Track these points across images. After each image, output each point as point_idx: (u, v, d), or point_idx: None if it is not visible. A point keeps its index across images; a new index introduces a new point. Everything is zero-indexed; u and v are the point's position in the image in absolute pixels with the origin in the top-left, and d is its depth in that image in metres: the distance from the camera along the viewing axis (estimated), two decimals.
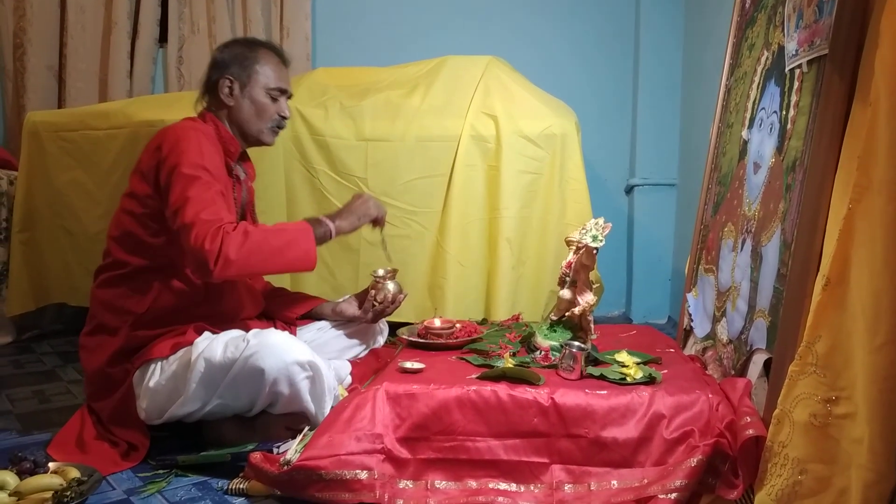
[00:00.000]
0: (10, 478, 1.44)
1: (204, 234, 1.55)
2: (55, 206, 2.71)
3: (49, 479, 1.45)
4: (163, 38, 3.34)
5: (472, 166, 2.54)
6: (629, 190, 3.33)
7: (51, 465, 1.54)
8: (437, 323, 1.99)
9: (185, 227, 1.58)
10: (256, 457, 1.53)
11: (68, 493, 1.42)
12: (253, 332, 1.66)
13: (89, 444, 1.69)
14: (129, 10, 3.25)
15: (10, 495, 1.41)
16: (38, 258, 2.73)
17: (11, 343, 2.76)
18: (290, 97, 1.90)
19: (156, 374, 1.65)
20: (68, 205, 2.71)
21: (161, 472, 1.62)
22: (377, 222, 1.90)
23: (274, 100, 1.84)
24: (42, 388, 2.25)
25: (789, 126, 1.58)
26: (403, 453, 1.50)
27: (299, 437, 1.59)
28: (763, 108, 1.76)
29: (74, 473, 1.48)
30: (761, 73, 1.82)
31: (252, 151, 1.95)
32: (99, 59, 3.29)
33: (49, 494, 1.41)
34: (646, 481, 1.43)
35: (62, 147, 2.70)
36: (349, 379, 1.97)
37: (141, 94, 3.27)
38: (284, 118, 1.87)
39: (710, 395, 1.50)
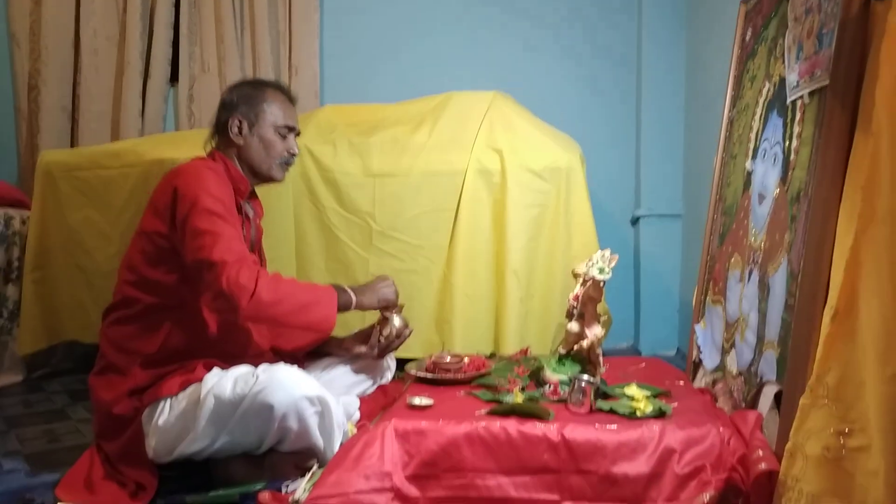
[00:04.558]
0: None
1: (237, 271, 1.58)
2: (68, 244, 2.74)
3: None
4: (174, 78, 3.40)
5: (478, 200, 2.56)
6: (635, 221, 3.34)
7: None
8: (446, 358, 1.98)
9: (213, 264, 1.59)
10: (265, 496, 1.52)
11: None
12: (262, 367, 1.66)
13: (98, 484, 1.68)
14: (141, 51, 3.32)
15: None
16: (51, 296, 2.75)
17: (22, 382, 2.76)
18: (298, 134, 1.93)
19: (165, 412, 1.65)
20: (81, 243, 2.73)
21: None
22: (392, 307, 1.93)
23: (282, 137, 1.87)
24: (51, 427, 2.25)
25: (793, 157, 1.59)
26: (413, 491, 1.49)
27: (308, 476, 1.58)
28: (766, 139, 1.78)
29: None
30: (763, 104, 1.84)
31: (261, 189, 1.98)
32: (111, 100, 3.35)
33: None
34: None
35: (75, 186, 2.74)
36: (357, 415, 1.96)
37: (152, 132, 3.32)
38: (293, 155, 1.90)
39: (721, 429, 1.49)
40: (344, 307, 1.78)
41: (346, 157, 2.61)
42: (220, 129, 1.87)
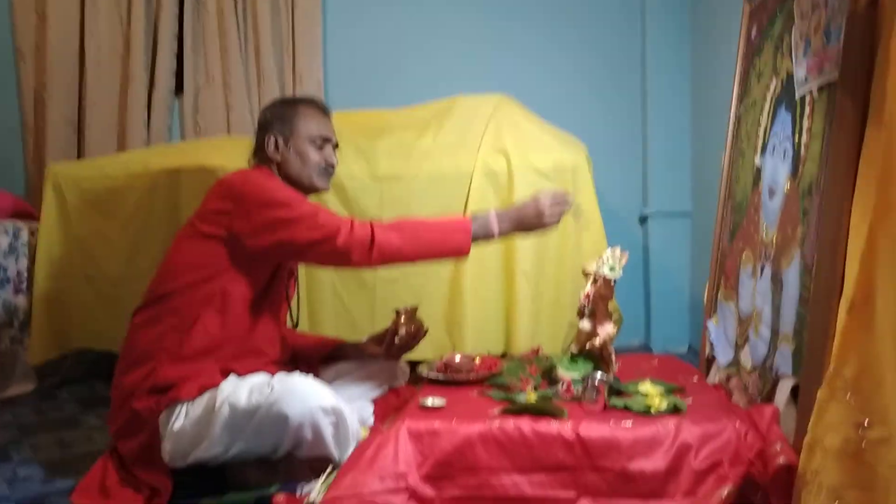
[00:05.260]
0: None
1: (347, 231, 1.68)
2: (76, 254, 2.75)
3: None
4: (178, 89, 3.41)
5: (485, 201, 2.56)
6: (643, 220, 3.34)
7: None
8: (457, 359, 1.98)
9: (321, 241, 1.69)
10: (280, 499, 1.52)
11: None
12: (277, 377, 1.66)
13: (112, 489, 1.68)
14: (145, 64, 3.33)
15: None
16: (61, 306, 2.75)
17: (33, 391, 2.77)
18: (335, 146, 1.95)
19: (181, 417, 1.65)
20: (89, 252, 2.74)
21: None
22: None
23: (319, 148, 1.89)
24: (63, 435, 2.25)
25: (803, 151, 1.59)
26: (428, 492, 1.49)
27: (323, 478, 1.57)
28: (775, 135, 1.77)
29: None
30: (771, 100, 1.84)
31: None
32: (117, 112, 3.36)
33: None
34: None
35: (82, 196, 2.75)
36: (371, 420, 1.95)
37: (158, 143, 3.33)
38: (331, 165, 1.92)
39: (737, 424, 1.48)
40: (484, 238, 1.79)
41: (352, 161, 2.61)
42: (258, 148, 1.90)
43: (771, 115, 1.83)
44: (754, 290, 1.77)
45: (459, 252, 1.78)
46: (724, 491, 1.36)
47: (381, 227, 1.73)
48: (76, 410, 2.53)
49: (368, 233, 1.70)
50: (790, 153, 1.66)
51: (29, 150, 3.37)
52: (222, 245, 1.75)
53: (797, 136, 1.63)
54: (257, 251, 1.74)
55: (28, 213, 2.99)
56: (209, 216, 1.77)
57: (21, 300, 2.78)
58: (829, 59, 1.50)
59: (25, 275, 2.80)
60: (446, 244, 1.77)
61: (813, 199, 1.50)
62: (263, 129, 1.90)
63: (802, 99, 1.62)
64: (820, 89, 1.54)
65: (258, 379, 1.67)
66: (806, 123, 1.59)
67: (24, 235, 2.82)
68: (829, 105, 1.49)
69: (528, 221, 1.82)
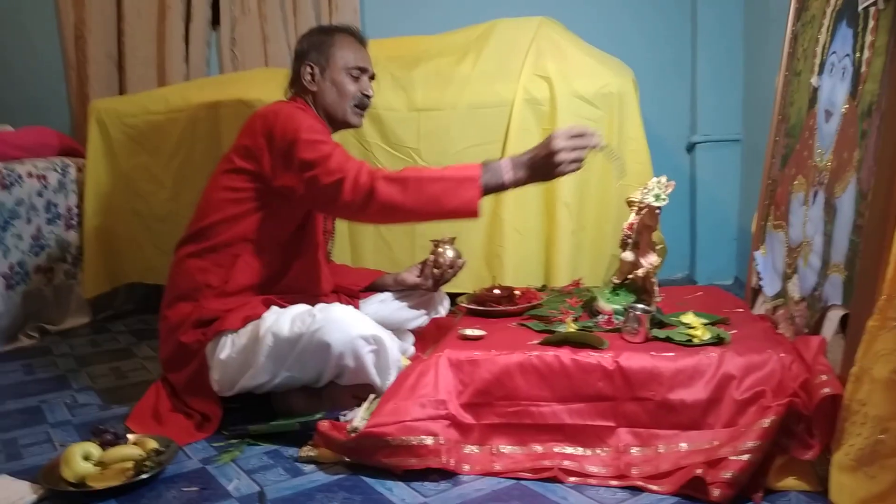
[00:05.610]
0: (93, 449, 1.51)
1: (353, 179, 1.60)
2: (123, 190, 2.80)
3: (130, 450, 1.51)
4: (215, 21, 3.38)
5: (526, 131, 2.50)
6: (691, 148, 3.23)
7: (130, 436, 1.61)
8: (497, 290, 1.97)
9: (330, 186, 1.62)
10: (325, 425, 1.56)
11: (148, 462, 1.49)
12: (319, 306, 1.68)
13: (165, 416, 1.75)
14: None
15: (94, 465, 1.48)
16: (110, 241, 2.83)
17: (88, 323, 2.88)
18: (372, 77, 1.91)
19: (227, 347, 1.70)
20: (135, 188, 2.79)
21: (234, 441, 1.67)
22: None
23: (355, 79, 1.87)
24: (118, 364, 2.35)
25: (864, 69, 1.49)
26: (468, 419, 1.51)
27: (365, 405, 1.61)
28: (834, 52, 1.66)
29: (152, 444, 1.54)
30: (831, 14, 1.72)
31: None
32: (155, 45, 3.37)
33: (130, 464, 1.48)
34: (716, 443, 1.39)
35: (126, 133, 2.78)
36: (412, 349, 1.98)
37: (197, 76, 3.34)
38: (367, 96, 1.89)
39: (782, 355, 1.45)
40: (496, 189, 1.61)
41: (389, 92, 2.57)
42: (295, 78, 1.88)
43: (830, 30, 1.71)
44: (805, 218, 1.70)
45: (469, 207, 1.57)
46: (766, 421, 1.34)
47: (386, 178, 1.60)
48: (129, 341, 2.63)
49: (368, 183, 1.59)
50: (850, 72, 1.56)
51: (72, 87, 3.42)
52: (254, 181, 1.75)
53: (858, 52, 1.53)
54: (280, 189, 1.73)
55: (75, 149, 3.05)
56: (242, 150, 1.77)
57: (73, 236, 2.87)
58: None
59: (76, 210, 2.88)
60: (453, 197, 1.57)
61: (872, 120, 1.42)
62: (300, 58, 1.87)
63: (866, 11, 1.51)
64: (886, 0, 1.42)
65: (300, 309, 1.70)
66: (868, 38, 1.49)
67: (73, 172, 2.89)
68: (895, 16, 1.38)
69: (543, 167, 1.58)
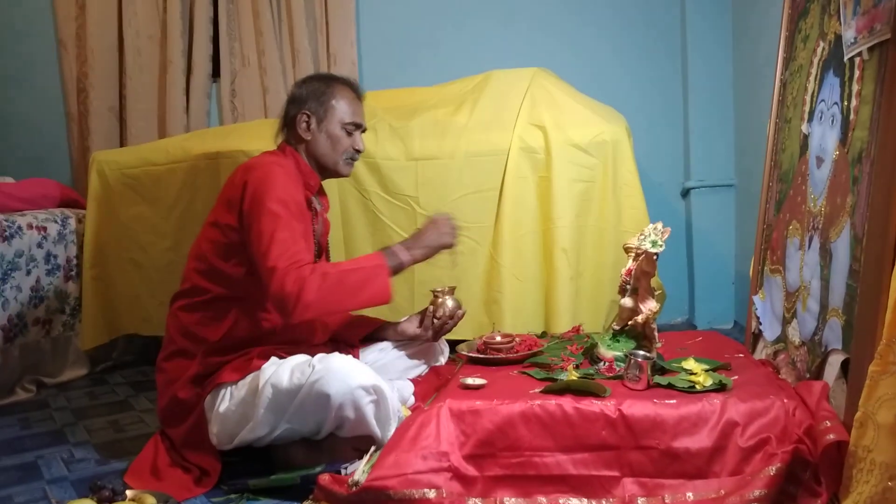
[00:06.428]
0: None
1: (283, 278, 1.62)
2: (122, 240, 2.81)
3: None
4: (215, 73, 3.45)
5: (522, 178, 2.53)
6: (685, 193, 3.26)
7: (128, 492, 1.59)
8: (497, 338, 1.97)
9: (267, 270, 1.64)
10: (325, 478, 1.54)
11: None
12: (318, 357, 1.67)
13: (163, 470, 1.73)
14: (182, 49, 3.37)
15: None
16: (109, 292, 2.83)
17: (86, 375, 2.86)
18: (364, 131, 1.94)
19: (226, 400, 1.68)
20: (135, 239, 2.80)
21: (233, 496, 1.64)
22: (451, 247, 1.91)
23: (349, 134, 1.89)
24: (116, 417, 2.32)
25: (852, 116, 1.52)
26: (470, 471, 1.49)
27: (366, 458, 1.59)
28: (823, 100, 1.70)
29: (151, 500, 1.52)
30: (818, 64, 1.76)
31: None
32: (156, 98, 3.42)
33: None
34: (723, 492, 1.38)
35: (126, 183, 2.80)
36: (412, 399, 1.97)
37: (197, 128, 3.38)
38: (358, 151, 1.92)
39: (785, 400, 1.45)
40: (397, 270, 1.79)
41: (387, 142, 2.61)
42: (289, 123, 1.89)
43: (818, 79, 1.76)
44: (802, 263, 1.72)
45: (383, 290, 1.71)
46: (773, 469, 1.33)
47: (311, 282, 1.62)
48: (127, 393, 2.61)
49: (296, 291, 1.61)
50: (839, 119, 1.60)
51: (73, 139, 3.46)
52: (235, 233, 1.75)
53: (846, 101, 1.57)
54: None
55: (75, 200, 3.07)
56: (225, 203, 1.78)
57: (72, 287, 2.86)
58: (881, 18, 1.43)
59: (75, 262, 2.88)
60: (368, 285, 1.70)
61: (863, 166, 1.44)
62: (297, 104, 1.88)
63: (851, 61, 1.55)
64: (870, 50, 1.47)
65: (299, 359, 1.69)
66: (855, 87, 1.53)
67: (72, 223, 2.90)
68: (880, 66, 1.42)
69: (432, 243, 1.85)
